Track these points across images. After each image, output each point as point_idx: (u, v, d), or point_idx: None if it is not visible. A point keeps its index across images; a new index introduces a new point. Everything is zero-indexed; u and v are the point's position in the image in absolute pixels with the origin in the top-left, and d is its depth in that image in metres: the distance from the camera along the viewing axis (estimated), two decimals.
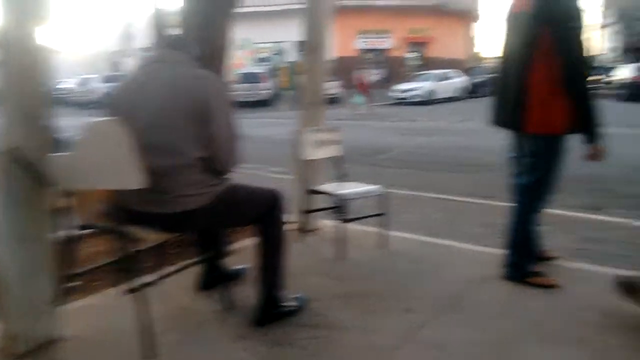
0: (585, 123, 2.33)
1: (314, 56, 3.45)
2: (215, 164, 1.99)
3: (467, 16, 30.34)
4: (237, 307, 2.31)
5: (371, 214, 3.21)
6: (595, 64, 34.09)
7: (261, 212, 2.12)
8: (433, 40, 28.05)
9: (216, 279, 2.41)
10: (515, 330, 2.15)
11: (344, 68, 24.43)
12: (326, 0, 3.45)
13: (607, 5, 38.85)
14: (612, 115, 14.66)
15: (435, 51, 28.00)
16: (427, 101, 19.95)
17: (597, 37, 38.69)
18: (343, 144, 3.49)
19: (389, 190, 5.08)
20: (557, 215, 4.17)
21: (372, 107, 17.90)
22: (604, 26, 39.78)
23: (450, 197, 4.97)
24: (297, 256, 3.04)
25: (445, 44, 27.72)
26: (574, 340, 2.07)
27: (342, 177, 3.44)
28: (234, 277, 2.53)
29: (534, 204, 2.58)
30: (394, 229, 3.32)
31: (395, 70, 26.57)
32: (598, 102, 2.35)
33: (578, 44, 2.28)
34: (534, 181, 2.54)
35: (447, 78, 21.72)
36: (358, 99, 18.38)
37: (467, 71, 23.86)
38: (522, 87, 2.41)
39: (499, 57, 2.67)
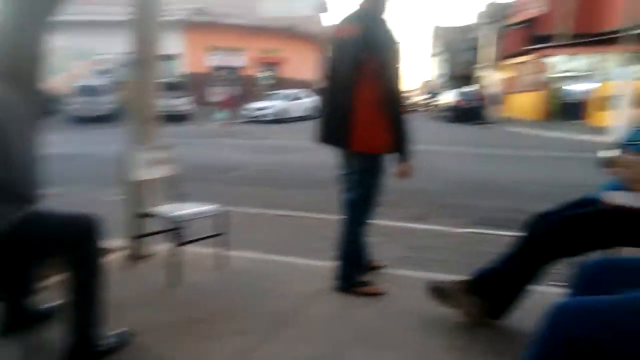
0: (399, 143, 2.54)
1: (143, 71, 3.24)
2: (13, 189, 1.73)
3: (316, 40, 31.94)
4: (46, 351, 2.01)
5: (209, 234, 3.11)
6: (427, 89, 38.51)
7: (71, 241, 1.89)
8: (285, 60, 28.98)
9: (21, 321, 2.08)
10: (345, 340, 2.23)
11: (196, 84, 23.89)
12: (155, 12, 3.25)
13: (436, 37, 44.30)
14: (438, 135, 16.63)
15: (287, 71, 28.96)
16: (279, 120, 20.42)
17: (428, 65, 43.73)
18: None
19: (236, 209, 5.04)
20: (385, 227, 4.51)
21: (235, 123, 17.79)
22: (433, 55, 45.18)
23: (295, 214, 5.07)
24: (125, 286, 2.80)
25: (296, 65, 28.87)
26: (398, 343, 2.22)
27: (179, 198, 3.28)
28: (43, 317, 2.21)
29: (361, 218, 2.73)
30: (236, 248, 3.25)
31: (249, 89, 26.81)
32: (410, 124, 2.57)
33: (396, 72, 2.49)
34: (360, 196, 2.69)
35: (297, 98, 22.51)
36: (220, 115, 18.08)
37: (317, 92, 25.05)
38: (349, 108, 2.53)
39: (325, 79, 2.77)
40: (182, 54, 24.62)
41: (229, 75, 27.49)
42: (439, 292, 2.35)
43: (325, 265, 3.24)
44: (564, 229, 2.05)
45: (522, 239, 2.21)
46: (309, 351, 2.13)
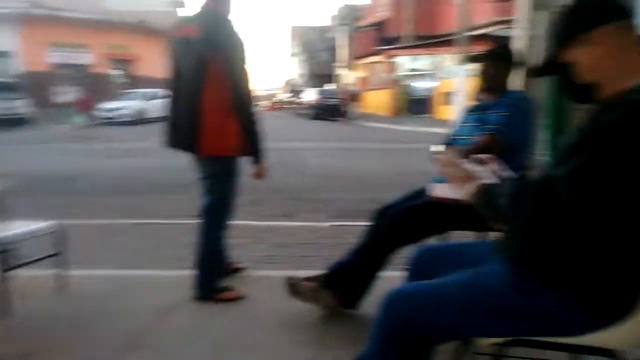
0: (251, 146, 2.48)
1: None
2: None
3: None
4: None
5: (46, 254, 2.74)
6: (290, 88, 39.40)
7: None
8: (138, 58, 27.21)
9: None
10: (202, 352, 2.12)
11: (36, 84, 21.30)
12: None
13: (294, 37, 45.33)
14: (301, 132, 17.02)
15: (141, 69, 27.23)
16: (137, 121, 19.12)
17: (289, 64, 44.65)
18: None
19: (82, 222, 4.58)
20: (249, 227, 4.47)
21: (88, 126, 16.16)
22: (292, 54, 46.17)
23: (152, 221, 4.74)
24: None
25: (151, 63, 27.15)
26: (256, 346, 2.17)
27: (6, 215, 2.83)
28: None
29: (218, 223, 2.63)
30: (81, 267, 2.92)
31: (99, 88, 24.60)
32: (260, 125, 2.52)
33: (244, 72, 2.41)
34: (215, 201, 2.59)
35: (157, 97, 21.17)
36: (77, 118, 16.30)
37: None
38: (195, 111, 2.42)
39: (169, 81, 2.63)
40: (17, 51, 21.80)
41: (76, 73, 24.96)
42: (295, 288, 2.36)
43: (183, 274, 3.06)
44: (401, 220, 2.19)
45: (368, 230, 2.33)
46: None
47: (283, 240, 4.08)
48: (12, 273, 2.78)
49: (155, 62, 27.37)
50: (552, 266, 1.17)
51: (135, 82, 25.61)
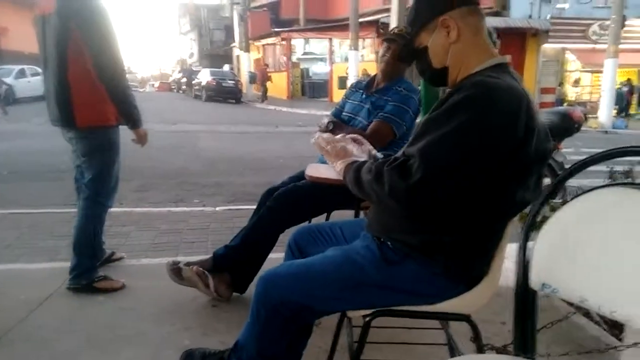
0: (122, 113, 2.42)
1: None
2: None
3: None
4: None
5: None
6: (182, 68, 37.67)
7: None
8: (6, 31, 24.23)
9: None
10: (79, 346, 1.99)
11: None
12: None
13: (183, 14, 43.20)
14: (194, 115, 16.45)
15: (11, 43, 24.29)
16: (6, 101, 17.07)
17: (180, 43, 42.60)
18: None
19: None
20: (135, 213, 4.26)
21: None
22: (182, 33, 44.08)
23: (25, 210, 4.31)
24: None
25: (22, 36, 24.31)
26: (135, 337, 2.07)
27: None
28: None
29: (99, 201, 2.50)
30: None
31: None
32: (130, 92, 2.44)
33: (104, 41, 2.30)
34: (95, 176, 2.47)
35: (30, 75, 19.16)
36: None
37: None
38: (62, 86, 2.36)
39: (41, 57, 2.48)
40: None
41: None
42: (179, 273, 2.30)
43: (58, 266, 2.85)
44: (284, 201, 2.23)
45: (256, 212, 2.33)
46: None
47: (172, 227, 3.93)
48: None
49: (25, 36, 24.52)
50: (412, 239, 1.26)
51: (2, 57, 22.79)
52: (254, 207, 2.48)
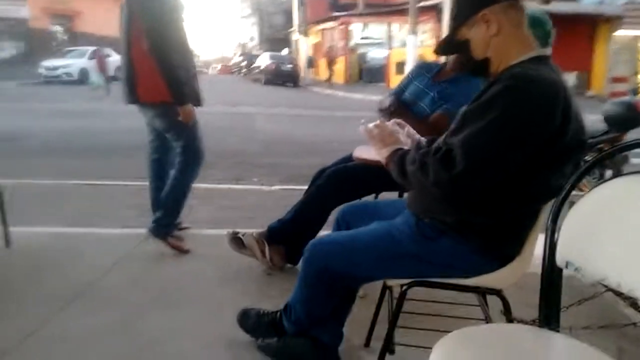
0: (170, 88, 2.60)
1: None
2: None
3: None
4: None
5: None
6: (242, 52, 38.37)
7: None
8: (80, 13, 25.64)
9: None
10: (143, 304, 2.23)
11: None
12: None
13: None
14: (255, 97, 16.78)
15: (84, 26, 25.71)
16: (80, 81, 18.23)
17: (240, 28, 43.22)
18: None
19: (26, 182, 4.51)
20: (197, 189, 4.52)
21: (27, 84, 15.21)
22: (243, 17, 44.73)
23: (100, 182, 4.73)
24: None
25: (95, 19, 25.68)
26: (196, 298, 2.30)
27: None
28: None
29: (187, 171, 2.80)
30: (24, 224, 2.94)
31: (38, 45, 23.14)
32: (179, 71, 2.61)
33: (157, 22, 2.54)
34: (182, 150, 2.77)
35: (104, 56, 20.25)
36: (97, 78, 15.46)
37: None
38: (128, 63, 2.67)
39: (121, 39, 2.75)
40: None
41: (13, 28, 23.34)
42: (239, 242, 2.51)
43: (129, 232, 3.17)
44: (334, 180, 2.39)
45: (307, 190, 2.50)
46: (102, 320, 2.07)
47: (231, 203, 4.19)
48: None
49: (98, 19, 25.91)
50: (448, 218, 1.37)
51: (77, 39, 24.21)
52: (307, 187, 2.64)
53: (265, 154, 6.73)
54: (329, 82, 21.77)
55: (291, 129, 9.48)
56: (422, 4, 16.55)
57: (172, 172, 2.84)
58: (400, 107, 2.48)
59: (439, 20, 18.14)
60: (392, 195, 2.34)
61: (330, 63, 22.12)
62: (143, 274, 2.54)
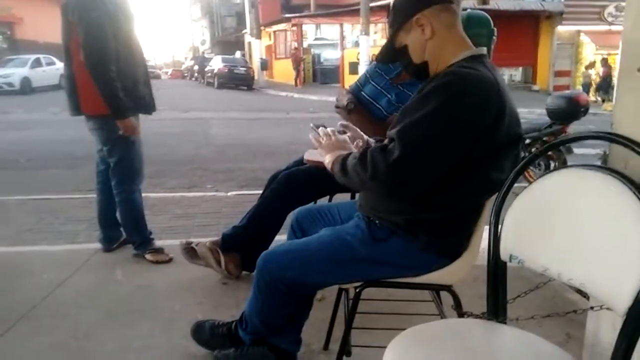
0: (106, 102, 2.52)
1: None
2: None
3: None
4: None
5: None
6: (194, 56, 37.69)
7: None
8: (21, 20, 24.53)
9: None
10: (93, 322, 2.14)
11: None
12: None
13: (192, 2, 43.19)
14: (207, 102, 16.53)
15: (26, 33, 24.60)
16: (22, 90, 17.42)
17: (191, 31, 42.56)
18: None
19: None
20: (149, 199, 4.41)
21: None
22: (194, 20, 44.08)
23: (45, 197, 4.51)
24: None
25: (37, 26, 24.62)
26: (151, 310, 2.24)
27: None
28: None
29: (127, 186, 2.74)
30: None
31: None
32: (115, 84, 2.51)
33: (91, 32, 2.45)
34: (117, 164, 2.70)
35: (46, 64, 19.42)
36: None
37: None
38: (69, 74, 2.62)
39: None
40: None
41: None
42: (192, 252, 2.46)
43: (77, 248, 3.06)
44: (287, 183, 2.36)
45: (261, 195, 2.47)
46: (49, 340, 1.98)
47: (185, 211, 4.10)
48: None
49: (40, 25, 24.83)
50: (396, 218, 1.38)
51: (18, 46, 23.12)
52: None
53: (220, 160, 6.64)
54: (297, 84, 21.70)
55: (246, 132, 9.39)
56: (373, 4, 16.78)
57: (115, 195, 2.77)
58: (357, 106, 2.46)
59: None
60: (345, 197, 2.35)
61: (297, 64, 22.07)
62: (93, 290, 2.44)
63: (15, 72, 17.86)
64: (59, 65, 19.62)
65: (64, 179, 5.38)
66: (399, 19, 1.39)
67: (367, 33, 16.54)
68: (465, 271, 1.42)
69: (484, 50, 1.37)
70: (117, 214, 2.81)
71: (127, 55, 2.59)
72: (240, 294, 2.35)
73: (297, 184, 2.35)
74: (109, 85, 2.48)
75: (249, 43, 30.98)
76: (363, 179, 1.30)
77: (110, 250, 2.89)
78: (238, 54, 28.84)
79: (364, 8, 16.17)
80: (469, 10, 2.33)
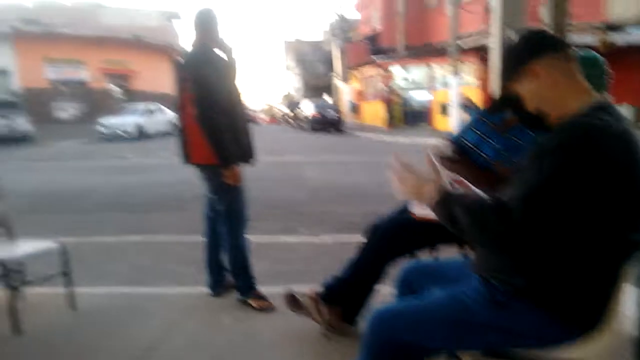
0: (214, 151, 2.68)
1: None
2: None
3: (168, 51, 30.90)
4: None
5: (53, 272, 2.87)
6: (288, 102, 39.49)
7: None
8: (135, 73, 27.40)
9: None
10: None
11: (34, 101, 21.46)
12: None
13: (287, 51, 45.64)
14: (299, 145, 17.03)
15: (139, 84, 27.40)
16: (137, 137, 19.23)
17: (285, 78, 44.77)
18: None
19: (89, 239, 4.71)
20: (252, 242, 4.58)
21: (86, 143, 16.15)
22: (288, 68, 46.43)
23: (157, 239, 4.87)
24: None
25: (149, 77, 27.44)
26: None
27: (10, 236, 2.96)
28: None
29: (234, 233, 2.87)
30: (88, 283, 3.04)
31: (97, 104, 24.82)
32: (224, 135, 2.69)
33: (204, 88, 2.65)
34: (225, 212, 2.84)
35: (155, 112, 21.28)
36: None
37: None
38: (182, 125, 2.83)
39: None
40: (13, 68, 21.98)
41: (76, 89, 25.29)
42: (296, 302, 2.48)
43: (186, 291, 3.21)
44: (390, 234, 2.31)
45: (362, 244, 2.44)
46: None
47: (284, 256, 4.19)
48: (20, 291, 2.91)
49: (152, 77, 27.66)
50: (519, 281, 1.28)
51: (133, 96, 25.80)
52: (359, 236, 2.58)
53: (313, 203, 6.74)
54: (388, 126, 21.83)
55: (339, 175, 9.51)
56: (462, 43, 16.59)
57: (223, 240, 2.92)
58: (462, 155, 2.38)
59: (483, 60, 18.09)
60: (449, 249, 2.26)
61: (388, 106, 22.31)
62: (203, 336, 2.54)
63: (130, 120, 19.79)
64: (169, 113, 21.67)
65: (173, 221, 5.78)
66: (512, 67, 1.36)
67: (456, 74, 16.33)
68: (603, 346, 1.27)
69: (608, 97, 1.27)
70: (224, 259, 2.92)
71: (233, 108, 2.78)
72: (343, 349, 2.33)
73: (398, 236, 2.30)
74: (217, 135, 2.65)
75: (337, 87, 31.92)
76: (479, 237, 1.23)
77: (217, 294, 3.01)
78: (326, 98, 29.76)
79: (453, 49, 16.05)
80: (580, 51, 2.19)
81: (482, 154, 2.31)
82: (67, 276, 2.82)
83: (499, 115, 2.39)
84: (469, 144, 2.38)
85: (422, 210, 2.02)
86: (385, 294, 2.76)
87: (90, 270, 3.75)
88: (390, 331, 1.39)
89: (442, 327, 1.35)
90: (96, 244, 4.61)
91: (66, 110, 24.87)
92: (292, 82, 46.12)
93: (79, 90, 25.35)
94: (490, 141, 2.32)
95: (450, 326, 1.35)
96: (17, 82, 22.45)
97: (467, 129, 2.47)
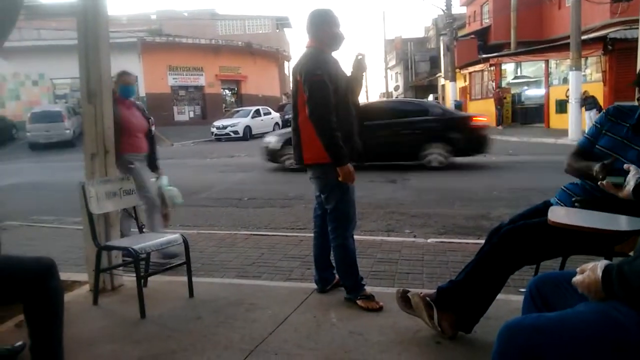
0: (326, 150, 2.68)
1: (95, 101, 3.07)
2: None
3: (277, 56, 32.32)
4: None
5: (176, 262, 3.09)
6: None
7: (27, 286, 1.84)
8: (245, 78, 29.07)
9: None
10: None
11: (156, 105, 23.60)
12: (103, 35, 3.05)
13: (389, 50, 45.21)
14: None
15: (249, 88, 29.05)
16: (245, 137, 20.47)
17: (385, 78, 44.49)
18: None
19: (205, 232, 5.03)
20: (355, 240, 4.56)
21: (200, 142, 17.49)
22: (389, 67, 46.00)
23: (266, 233, 5.06)
24: (91, 321, 2.73)
25: (258, 82, 29.03)
26: None
27: (138, 229, 3.23)
28: (8, 357, 2.15)
29: (340, 232, 2.85)
30: (205, 274, 3.20)
31: (211, 107, 26.83)
32: (334, 134, 2.66)
33: (315, 89, 2.66)
34: (332, 211, 2.84)
35: (264, 114, 22.61)
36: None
37: (280, 108, 25.09)
38: (295, 128, 2.85)
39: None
40: (140, 75, 24.36)
41: (193, 94, 27.58)
42: (407, 301, 2.40)
43: (294, 286, 3.27)
44: (511, 240, 2.09)
45: (482, 249, 2.26)
46: None
47: (387, 256, 4.11)
48: (148, 279, 3.16)
49: (260, 81, 29.25)
50: None
51: (243, 100, 27.47)
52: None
53: (416, 204, 6.56)
54: (499, 125, 20.87)
55: (442, 176, 9.17)
56: (586, 36, 15.18)
57: (331, 240, 2.91)
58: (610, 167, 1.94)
59: (606, 52, 16.43)
60: (583, 258, 2.02)
61: (499, 104, 21.32)
62: (311, 331, 2.55)
63: (240, 122, 21.18)
64: (274, 115, 22.72)
65: (279, 217, 5.98)
66: None
67: (578, 68, 14.95)
68: None
69: None
70: (335, 262, 2.93)
71: (344, 110, 2.78)
72: (456, 357, 2.20)
73: (523, 241, 2.07)
74: (330, 134, 2.65)
75: (443, 86, 30.92)
76: None
77: (324, 291, 3.03)
78: (431, 97, 28.94)
79: (574, 41, 14.71)
80: None
81: (621, 159, 1.94)
82: (187, 266, 3.01)
83: (633, 113, 2.04)
84: (603, 149, 2.07)
85: (559, 218, 1.80)
86: (508, 302, 2.59)
87: (205, 261, 3.99)
88: (529, 348, 1.24)
89: (586, 346, 1.20)
90: (213, 236, 4.92)
91: (184, 113, 27.15)
92: (392, 82, 45.61)
93: (195, 95, 27.57)
94: (630, 144, 1.98)
95: (596, 346, 1.19)
96: (142, 89, 24.83)
97: (597, 133, 2.12)
